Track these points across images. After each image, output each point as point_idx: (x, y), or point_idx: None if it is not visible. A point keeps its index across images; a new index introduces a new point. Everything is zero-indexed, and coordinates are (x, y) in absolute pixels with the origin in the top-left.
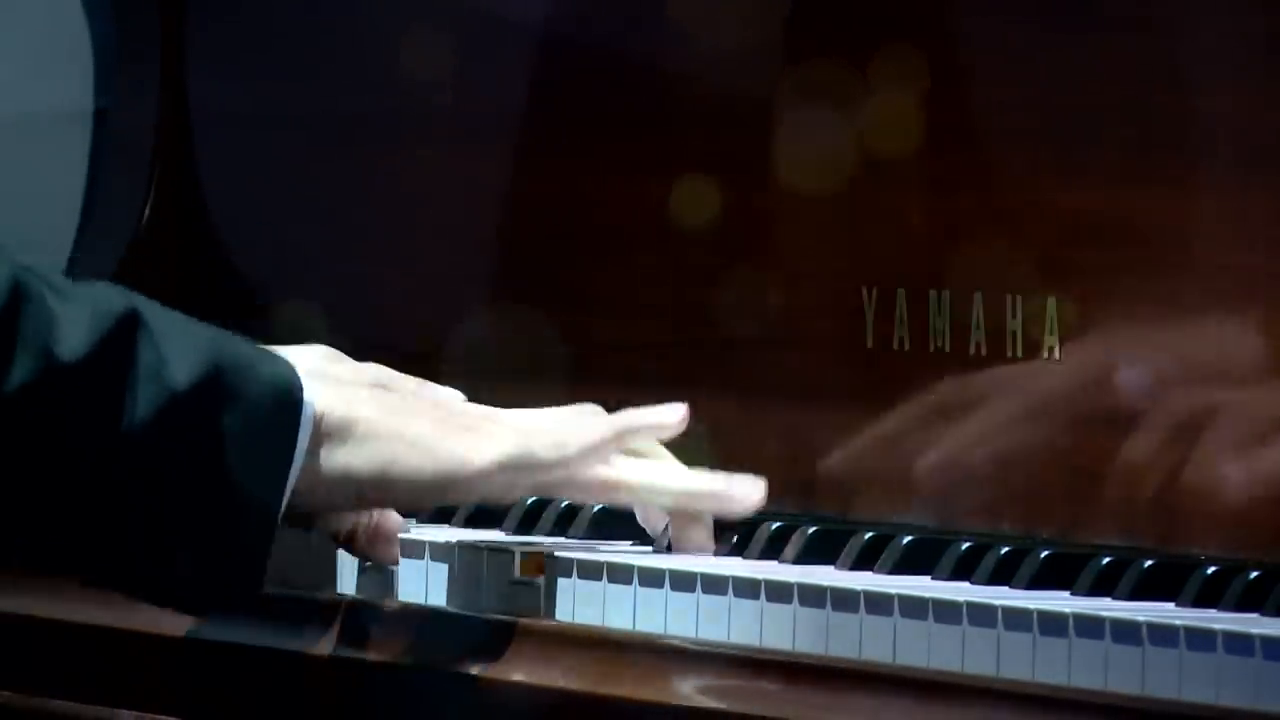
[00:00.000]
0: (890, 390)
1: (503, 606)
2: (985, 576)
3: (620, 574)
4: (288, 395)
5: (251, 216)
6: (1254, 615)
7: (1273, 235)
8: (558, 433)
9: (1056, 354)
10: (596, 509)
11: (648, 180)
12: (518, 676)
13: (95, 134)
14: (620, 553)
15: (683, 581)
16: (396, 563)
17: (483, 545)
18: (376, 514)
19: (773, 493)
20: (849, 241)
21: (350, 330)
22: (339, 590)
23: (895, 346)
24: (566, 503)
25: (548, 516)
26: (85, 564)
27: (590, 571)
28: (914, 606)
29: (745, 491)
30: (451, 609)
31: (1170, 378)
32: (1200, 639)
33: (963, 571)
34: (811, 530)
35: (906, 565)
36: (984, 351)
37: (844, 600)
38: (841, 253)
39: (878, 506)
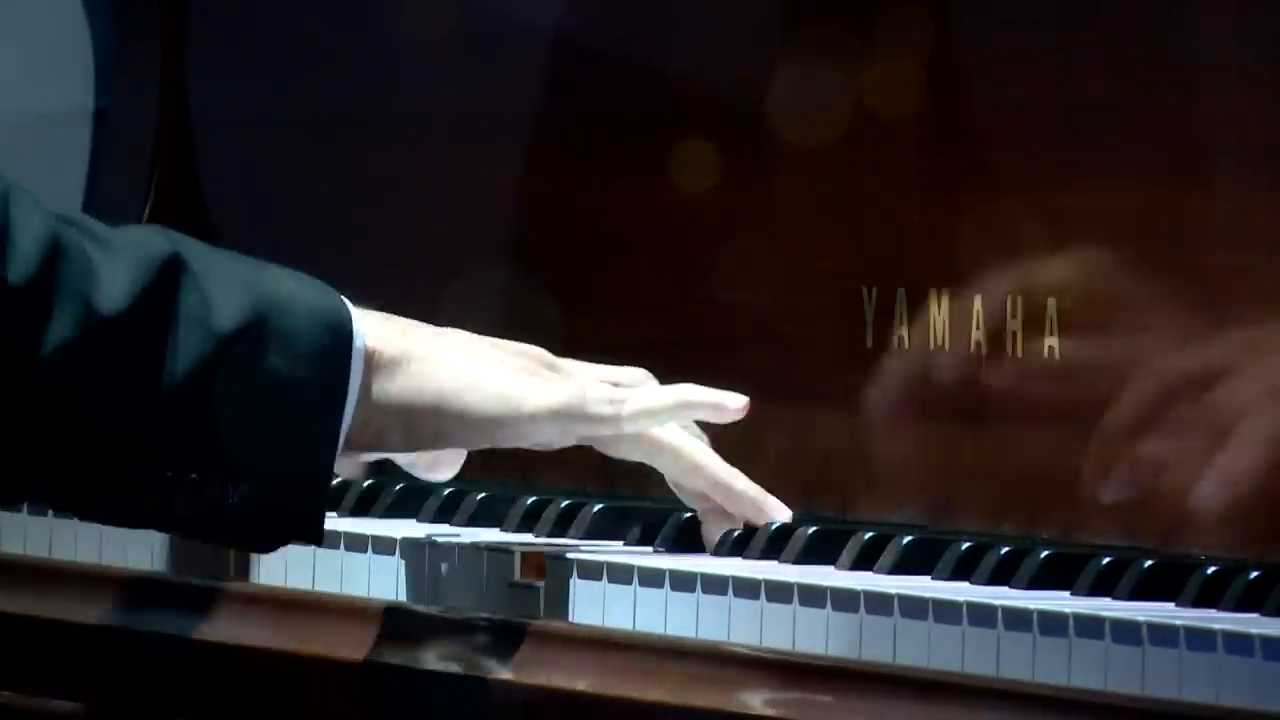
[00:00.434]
0: (890, 390)
1: (503, 607)
2: (985, 576)
3: (620, 574)
4: (337, 330)
5: (251, 217)
6: (1254, 615)
7: (1274, 236)
8: (617, 391)
9: (1056, 354)
10: (597, 509)
11: (646, 180)
12: (518, 678)
13: (95, 134)
14: (620, 553)
15: (683, 582)
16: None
17: (483, 546)
18: None
19: (773, 492)
20: (849, 241)
21: None
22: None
23: (895, 346)
24: (567, 502)
25: (547, 516)
26: (138, 510)
27: (590, 572)
28: (914, 606)
29: (776, 509)
30: (453, 609)
31: (1171, 377)
32: (1200, 639)
33: (963, 571)
34: (811, 530)
35: (906, 565)
36: (984, 351)
37: (844, 600)
38: (842, 253)
39: (878, 506)
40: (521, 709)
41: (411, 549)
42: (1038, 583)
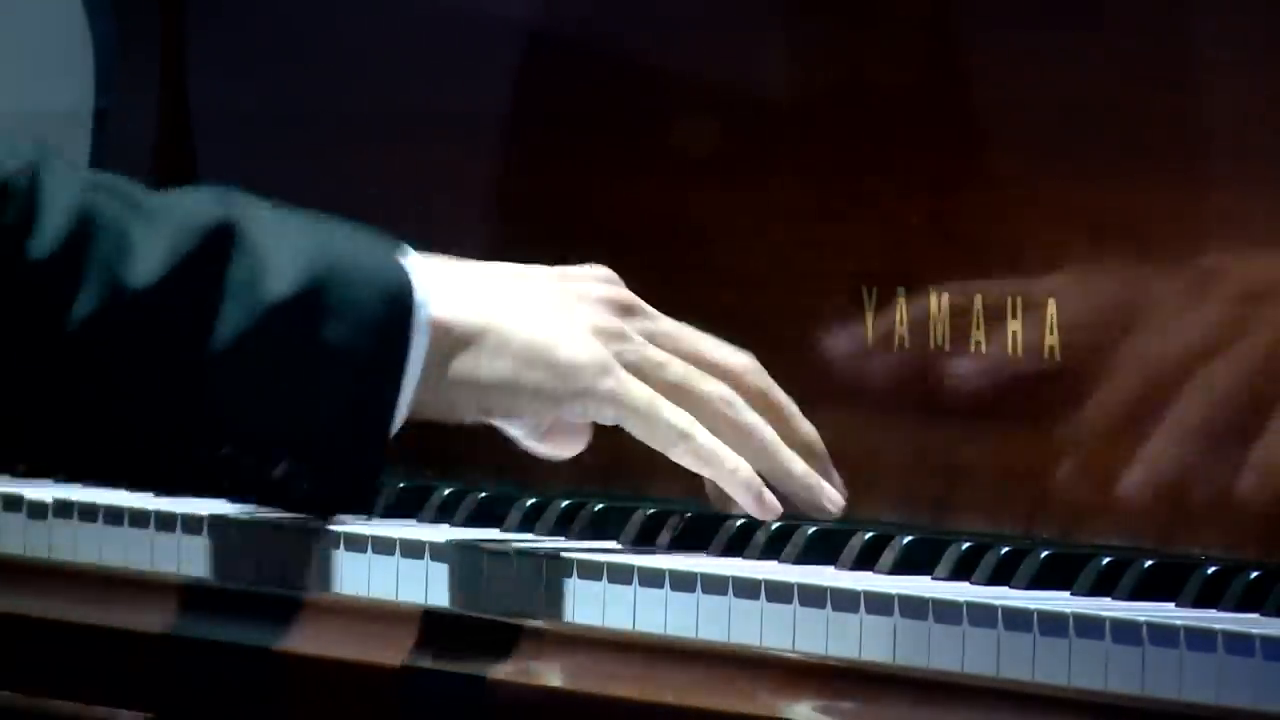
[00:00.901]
0: (890, 390)
1: (504, 607)
2: (985, 576)
3: (620, 574)
4: (399, 300)
5: None
6: (1254, 615)
7: (1274, 240)
8: (687, 418)
9: (1056, 354)
10: (597, 508)
11: (647, 181)
12: (519, 678)
13: (95, 134)
14: (620, 553)
15: (683, 582)
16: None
17: (484, 545)
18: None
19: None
20: (849, 242)
21: None
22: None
23: (895, 346)
24: (567, 502)
25: (547, 517)
26: (186, 477)
27: (590, 572)
28: (914, 607)
29: (772, 509)
30: (453, 609)
31: (1170, 377)
32: (1200, 639)
33: (963, 571)
34: (811, 530)
35: (906, 565)
36: (984, 351)
37: (844, 601)
38: (842, 253)
39: (878, 507)
40: (522, 709)
41: (411, 549)
42: (1038, 583)
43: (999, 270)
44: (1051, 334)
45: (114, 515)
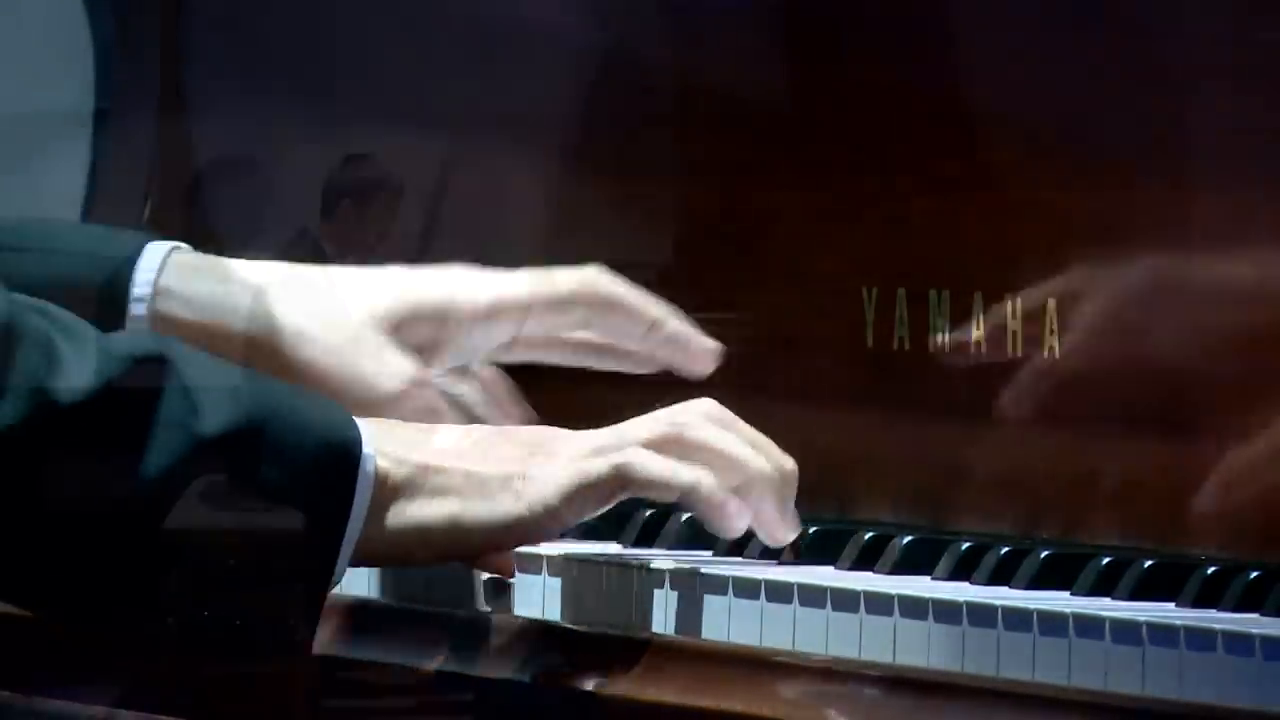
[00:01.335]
0: (890, 390)
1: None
2: (985, 576)
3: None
4: (344, 448)
5: (252, 216)
6: (1254, 615)
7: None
8: (611, 448)
9: (1056, 354)
10: (810, 531)
11: (647, 181)
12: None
13: (95, 134)
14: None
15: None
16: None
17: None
18: None
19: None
20: (849, 242)
21: None
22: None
23: (895, 347)
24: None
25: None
26: (98, 608)
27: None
28: (914, 607)
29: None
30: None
31: (1170, 377)
32: (1200, 639)
33: (963, 571)
34: (811, 531)
35: (906, 565)
36: (984, 351)
37: (843, 600)
38: (842, 253)
39: (878, 507)
40: None
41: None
42: (1038, 583)
43: (999, 270)
44: (1052, 334)
45: None
